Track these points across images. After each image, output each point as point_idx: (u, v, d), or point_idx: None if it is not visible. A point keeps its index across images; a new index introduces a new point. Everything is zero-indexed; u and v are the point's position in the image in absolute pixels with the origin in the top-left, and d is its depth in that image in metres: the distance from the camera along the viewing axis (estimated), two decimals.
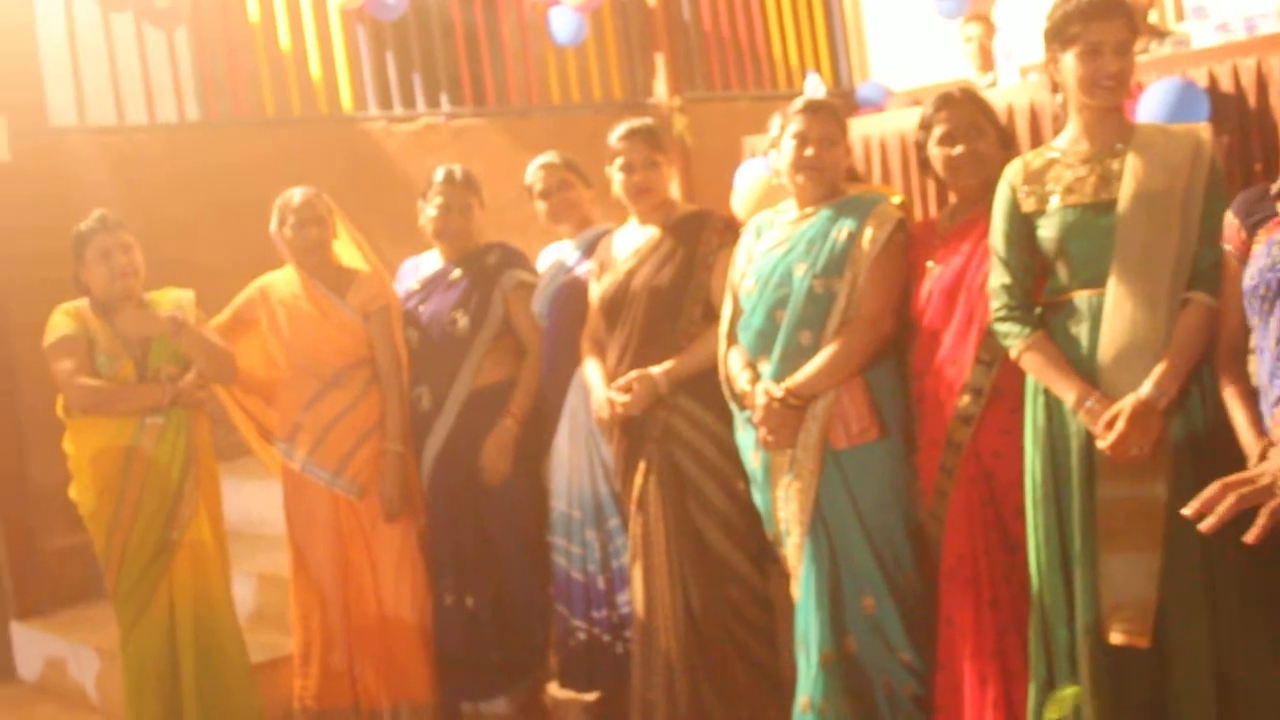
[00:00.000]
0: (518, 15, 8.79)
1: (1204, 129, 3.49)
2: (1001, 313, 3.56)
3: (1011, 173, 3.61)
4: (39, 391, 5.23)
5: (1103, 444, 3.33)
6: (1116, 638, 3.37)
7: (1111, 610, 3.37)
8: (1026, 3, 8.90)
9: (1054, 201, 3.49)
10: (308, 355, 4.86)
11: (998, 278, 3.58)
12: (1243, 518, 3.13)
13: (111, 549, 4.62)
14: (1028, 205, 3.53)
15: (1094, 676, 3.40)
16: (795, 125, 3.97)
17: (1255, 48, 4.72)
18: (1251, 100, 4.54)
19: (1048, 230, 3.48)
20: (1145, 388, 3.29)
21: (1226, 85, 4.61)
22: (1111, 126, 3.50)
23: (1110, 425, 3.31)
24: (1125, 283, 3.37)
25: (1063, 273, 3.48)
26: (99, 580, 5.65)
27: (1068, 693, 3.38)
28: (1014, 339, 3.53)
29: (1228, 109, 4.47)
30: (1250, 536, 2.50)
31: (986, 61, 7.87)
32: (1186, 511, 2.50)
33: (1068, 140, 3.56)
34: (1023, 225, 3.54)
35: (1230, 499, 2.40)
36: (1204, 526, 2.46)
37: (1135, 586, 3.34)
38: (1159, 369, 3.30)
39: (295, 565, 4.93)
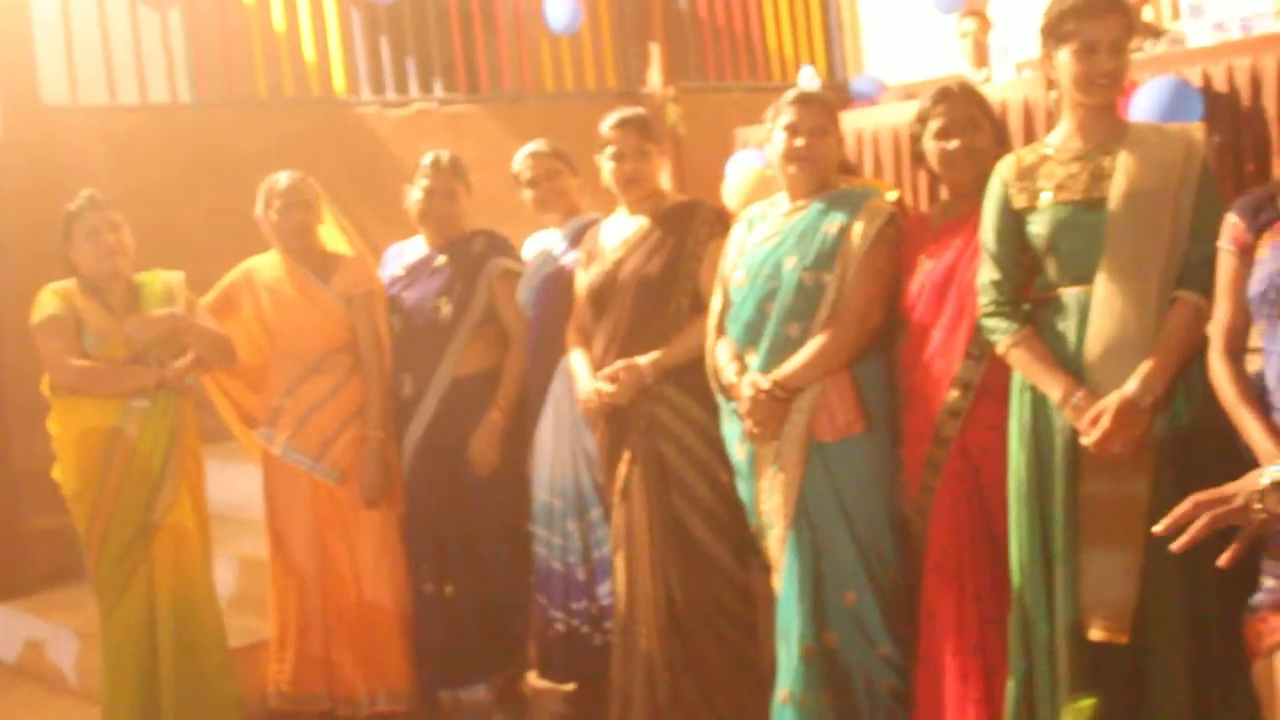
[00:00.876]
0: (513, 1, 8.76)
1: (1197, 128, 3.50)
2: (990, 308, 3.56)
3: (1004, 169, 3.60)
4: (24, 371, 5.21)
5: (1087, 440, 3.33)
6: (1095, 634, 3.37)
7: (1091, 607, 3.37)
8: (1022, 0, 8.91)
9: (1045, 198, 3.48)
10: (291, 340, 4.85)
11: (987, 273, 3.58)
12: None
13: (93, 531, 4.60)
14: (1019, 201, 3.53)
15: (1073, 672, 3.40)
16: (786, 117, 3.96)
17: (1250, 47, 4.71)
18: (1245, 100, 4.53)
19: (1038, 227, 3.48)
20: (1131, 385, 3.28)
21: (1221, 85, 4.60)
22: (1105, 124, 3.49)
23: (1095, 422, 3.31)
24: (1114, 280, 3.37)
25: (1052, 269, 3.48)
26: (80, 562, 5.65)
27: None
28: (1001, 334, 3.52)
29: (1221, 108, 4.46)
30: (1223, 561, 2.49)
31: (981, 57, 7.86)
32: (1158, 529, 2.51)
33: (1061, 137, 3.55)
34: (1014, 221, 3.54)
35: (1204, 518, 2.40)
36: (1176, 546, 2.47)
37: (1115, 583, 3.35)
38: (1145, 367, 3.29)
39: (273, 550, 4.92)
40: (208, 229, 6.65)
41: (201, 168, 7.08)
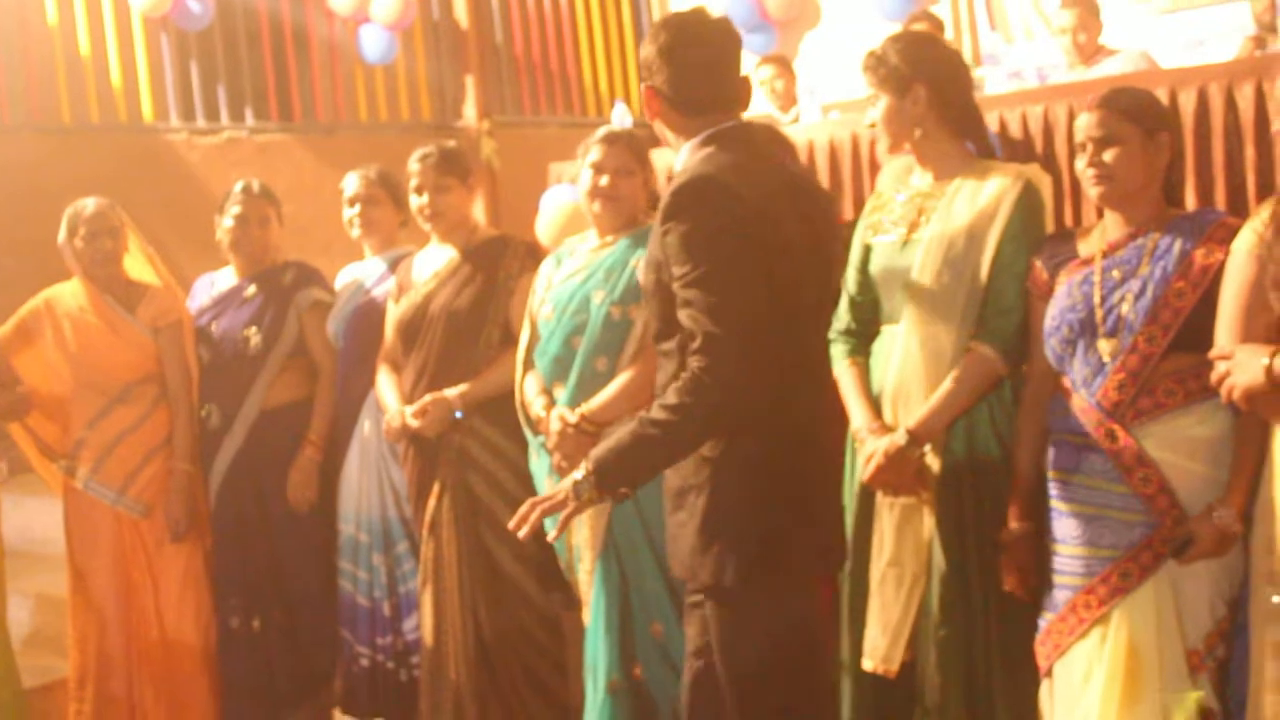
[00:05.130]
0: (327, 30, 8.69)
1: (1030, 170, 3.52)
2: (832, 334, 3.64)
3: (868, 203, 3.72)
4: None
5: (863, 476, 3.45)
6: (867, 663, 3.50)
7: (867, 638, 3.53)
8: (829, 43, 9.15)
9: (879, 236, 3.59)
10: (94, 370, 4.75)
11: (843, 299, 3.67)
12: (995, 556, 3.32)
13: None
14: (866, 237, 3.63)
15: (855, 702, 3.56)
16: (593, 155, 4.01)
17: (1044, 96, 4.88)
18: (1039, 146, 4.69)
19: (872, 264, 3.59)
20: (899, 435, 3.40)
21: (1016, 131, 4.76)
22: (949, 160, 3.55)
23: (869, 460, 3.43)
24: (913, 322, 3.48)
25: (884, 304, 3.58)
26: None
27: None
28: (835, 360, 3.61)
29: (1017, 154, 4.62)
30: (522, 534, 3.04)
31: (786, 100, 8.01)
32: (510, 525, 3.04)
33: (916, 172, 3.63)
34: (864, 255, 3.63)
35: (536, 512, 3.01)
36: (522, 535, 3.02)
37: (890, 614, 3.47)
38: (920, 414, 3.40)
39: (74, 586, 4.80)
40: (7, 257, 6.47)
41: (1, 194, 6.89)
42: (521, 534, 3.04)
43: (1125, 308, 3.14)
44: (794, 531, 3.05)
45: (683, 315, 2.95)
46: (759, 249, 2.95)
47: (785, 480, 3.05)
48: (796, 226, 3.06)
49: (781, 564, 3.05)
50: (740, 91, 3.18)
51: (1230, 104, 4.20)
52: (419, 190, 4.47)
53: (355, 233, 4.88)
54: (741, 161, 3.05)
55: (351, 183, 4.87)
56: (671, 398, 2.94)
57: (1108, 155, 3.19)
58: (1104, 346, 3.16)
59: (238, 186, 4.89)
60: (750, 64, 8.39)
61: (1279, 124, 3.04)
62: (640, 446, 2.96)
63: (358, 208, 4.83)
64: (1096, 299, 3.18)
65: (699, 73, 3.10)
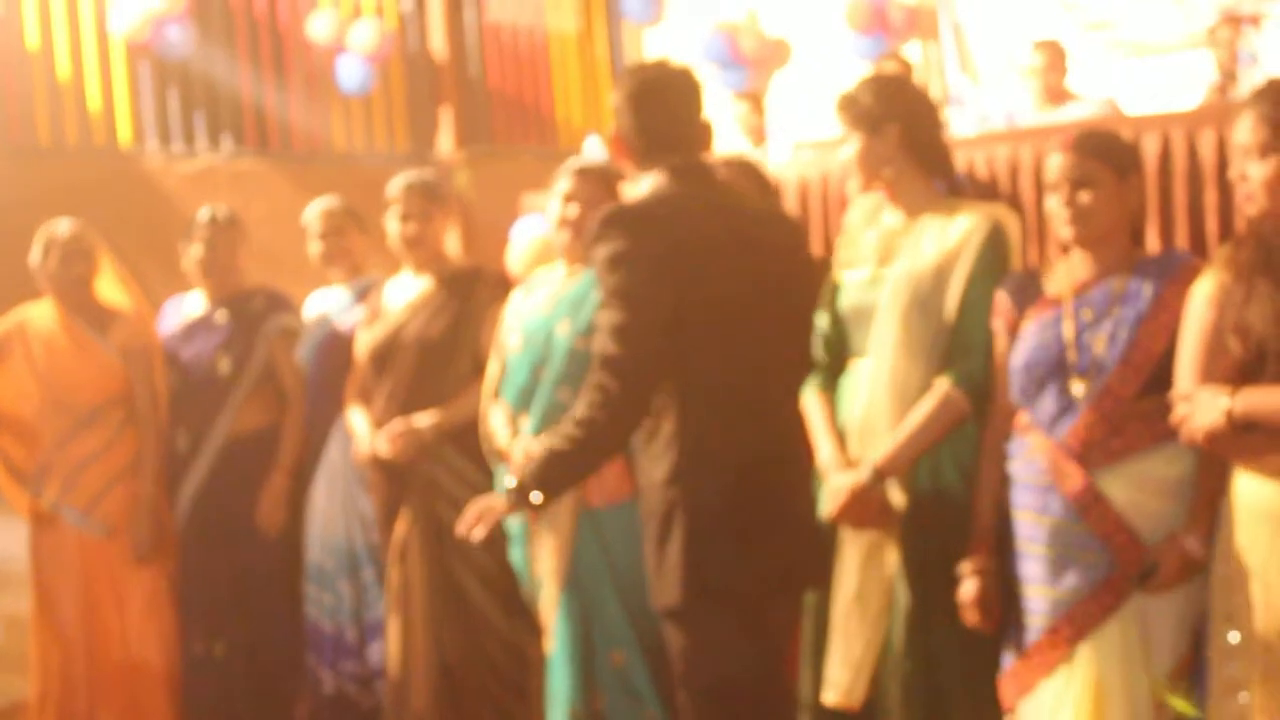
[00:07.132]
0: (305, 60, 8.72)
1: (999, 210, 3.55)
2: None
3: (840, 239, 3.75)
4: None
5: (826, 513, 3.46)
6: (828, 697, 3.50)
7: (829, 671, 3.52)
8: (800, 82, 9.22)
9: (848, 272, 3.62)
10: (64, 391, 4.76)
11: (817, 336, 3.69)
12: (953, 592, 3.32)
13: None
14: (836, 273, 3.66)
15: None
16: (563, 185, 4.04)
17: (1010, 138, 4.94)
18: (1005, 188, 4.75)
19: (841, 300, 3.61)
20: (862, 472, 3.42)
21: (982, 172, 4.81)
22: (924, 199, 3.58)
23: (833, 497, 3.44)
24: (879, 357, 3.50)
25: (853, 339, 3.60)
26: None
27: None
28: (807, 392, 3.62)
29: (982, 196, 4.68)
30: (468, 531, 3.24)
31: (758, 136, 8.07)
32: (460, 532, 3.25)
33: (887, 210, 3.64)
34: (834, 290, 3.65)
35: (474, 514, 3.23)
36: (459, 533, 3.25)
37: (853, 649, 3.48)
38: (883, 450, 3.42)
39: (38, 607, 4.79)
40: None
41: None
42: (458, 531, 3.25)
43: (1099, 349, 3.15)
44: (741, 557, 3.14)
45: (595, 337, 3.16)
46: (670, 275, 3.11)
47: (731, 507, 3.15)
48: (736, 258, 3.18)
49: (729, 588, 3.14)
50: (701, 135, 3.35)
51: (1192, 150, 4.26)
52: (405, 217, 4.49)
53: (324, 265, 4.90)
54: (679, 193, 3.22)
55: (315, 218, 4.90)
56: (577, 413, 3.16)
57: (1083, 197, 3.20)
58: (1076, 387, 3.17)
59: (203, 215, 4.91)
60: (724, 99, 8.44)
61: (1235, 171, 3.06)
62: (551, 460, 3.17)
63: (328, 241, 4.87)
64: (1069, 339, 3.20)
65: (660, 119, 3.29)
